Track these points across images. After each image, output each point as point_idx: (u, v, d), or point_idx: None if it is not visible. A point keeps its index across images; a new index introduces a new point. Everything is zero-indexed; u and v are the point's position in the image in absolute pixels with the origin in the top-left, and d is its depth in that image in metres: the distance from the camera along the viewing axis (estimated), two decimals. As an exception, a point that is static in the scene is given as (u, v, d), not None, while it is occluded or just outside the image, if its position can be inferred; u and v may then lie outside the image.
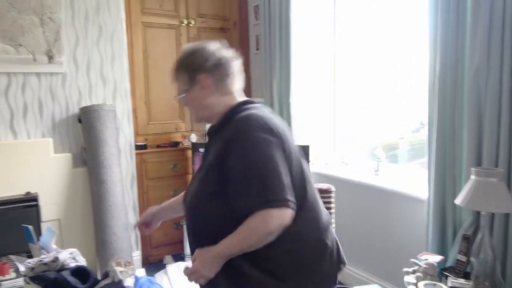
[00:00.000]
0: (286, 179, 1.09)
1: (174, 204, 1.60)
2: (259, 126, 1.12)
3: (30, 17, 2.69)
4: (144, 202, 3.33)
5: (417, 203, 2.29)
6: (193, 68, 1.23)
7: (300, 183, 1.17)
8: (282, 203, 1.06)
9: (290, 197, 1.08)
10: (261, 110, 1.22)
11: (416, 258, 1.94)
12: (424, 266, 1.87)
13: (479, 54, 1.83)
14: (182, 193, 1.43)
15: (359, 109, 2.99)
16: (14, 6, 2.64)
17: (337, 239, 1.28)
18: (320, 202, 1.26)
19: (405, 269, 1.94)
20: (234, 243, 1.09)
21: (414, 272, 1.89)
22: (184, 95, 1.26)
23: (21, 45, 2.68)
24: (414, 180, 2.45)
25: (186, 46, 1.32)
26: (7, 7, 2.62)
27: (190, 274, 1.15)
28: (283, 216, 1.07)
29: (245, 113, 1.19)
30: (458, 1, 1.91)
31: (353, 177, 2.78)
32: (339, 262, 1.25)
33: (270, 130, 1.12)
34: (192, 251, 1.24)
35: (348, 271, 2.78)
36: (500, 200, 1.61)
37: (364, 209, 2.68)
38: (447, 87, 2.00)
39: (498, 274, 1.75)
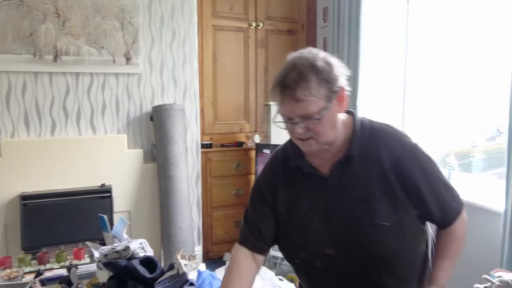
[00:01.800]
0: None
1: None
2: (408, 136, 1.11)
3: (112, 21, 2.90)
4: (207, 199, 3.44)
5: (492, 215, 2.14)
6: (332, 80, 0.99)
7: None
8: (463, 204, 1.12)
9: None
10: (378, 121, 1.15)
11: (489, 275, 1.81)
12: (498, 283, 1.73)
13: None
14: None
15: (430, 114, 2.84)
16: (100, 12, 2.86)
17: None
18: None
19: (476, 285, 1.81)
20: (452, 262, 1.12)
21: (486, 290, 1.76)
22: (324, 114, 0.98)
23: (103, 48, 2.89)
24: (490, 191, 2.29)
25: (300, 55, 1.01)
26: (93, 13, 2.84)
27: None
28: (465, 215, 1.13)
29: (381, 126, 1.11)
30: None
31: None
32: None
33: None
34: None
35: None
36: None
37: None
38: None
39: None
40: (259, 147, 3.11)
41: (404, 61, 3.04)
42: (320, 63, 0.98)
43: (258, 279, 2.64)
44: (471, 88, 2.50)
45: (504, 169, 2.00)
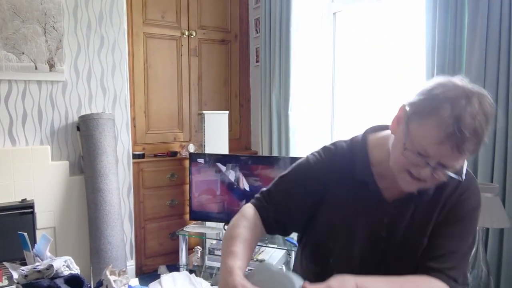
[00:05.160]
0: None
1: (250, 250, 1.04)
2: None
3: (34, 26, 2.72)
4: (140, 211, 3.33)
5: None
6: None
7: None
8: None
9: None
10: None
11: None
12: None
13: (476, 59, 1.86)
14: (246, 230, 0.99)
15: (358, 122, 3.01)
16: (18, 15, 2.67)
17: None
18: None
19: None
20: None
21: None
22: (463, 174, 0.89)
23: (23, 53, 2.70)
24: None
25: (491, 111, 0.83)
26: (11, 16, 2.65)
27: None
28: None
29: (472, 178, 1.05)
30: (456, 4, 1.95)
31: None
32: None
33: None
34: None
35: None
36: (495, 215, 1.62)
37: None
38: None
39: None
40: (193, 157, 3.08)
41: (332, 70, 3.20)
42: (489, 120, 0.83)
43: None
44: (395, 94, 2.70)
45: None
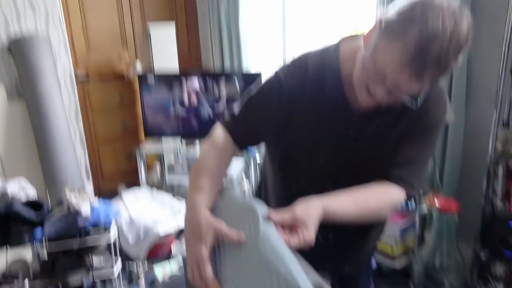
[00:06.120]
0: None
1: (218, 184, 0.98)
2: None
3: None
4: (91, 134, 3.24)
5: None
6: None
7: None
8: None
9: None
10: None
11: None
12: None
13: None
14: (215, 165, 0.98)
15: (310, 34, 2.96)
16: None
17: None
18: None
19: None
20: (354, 210, 0.97)
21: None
22: (420, 101, 0.88)
23: None
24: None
25: (458, 25, 0.74)
26: None
27: None
28: None
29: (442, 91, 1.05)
30: None
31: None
32: None
33: None
34: None
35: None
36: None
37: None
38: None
39: (437, 178, 1.94)
40: (142, 79, 2.95)
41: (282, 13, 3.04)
42: (467, 35, 0.75)
43: (155, 204, 2.67)
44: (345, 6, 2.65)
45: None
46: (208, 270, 0.77)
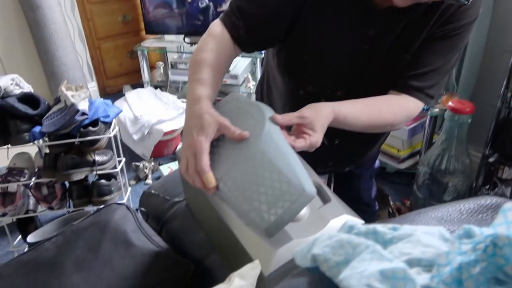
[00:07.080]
0: None
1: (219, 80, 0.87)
2: None
3: None
4: (90, 30, 3.08)
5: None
6: None
7: None
8: None
9: None
10: None
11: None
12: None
13: None
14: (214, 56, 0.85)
15: None
16: None
17: None
18: None
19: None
20: (366, 118, 0.90)
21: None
22: None
23: None
24: None
25: None
26: None
27: None
28: None
29: None
30: None
31: None
32: None
33: None
34: None
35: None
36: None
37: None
38: None
39: (453, 79, 1.83)
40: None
41: None
42: None
43: (160, 104, 2.62)
44: None
45: None
46: (205, 160, 0.71)
